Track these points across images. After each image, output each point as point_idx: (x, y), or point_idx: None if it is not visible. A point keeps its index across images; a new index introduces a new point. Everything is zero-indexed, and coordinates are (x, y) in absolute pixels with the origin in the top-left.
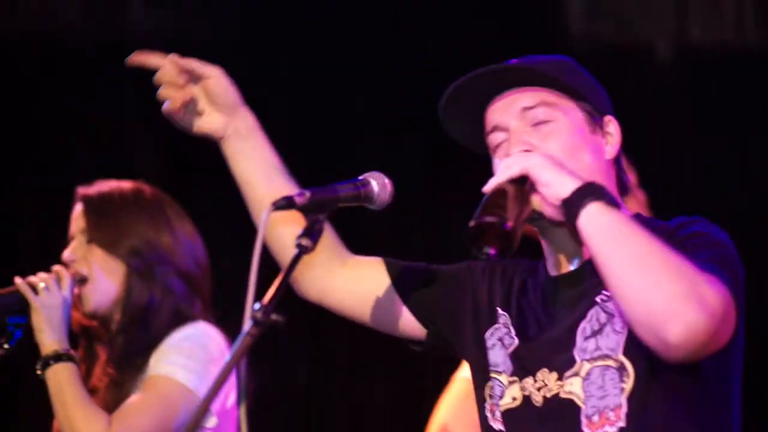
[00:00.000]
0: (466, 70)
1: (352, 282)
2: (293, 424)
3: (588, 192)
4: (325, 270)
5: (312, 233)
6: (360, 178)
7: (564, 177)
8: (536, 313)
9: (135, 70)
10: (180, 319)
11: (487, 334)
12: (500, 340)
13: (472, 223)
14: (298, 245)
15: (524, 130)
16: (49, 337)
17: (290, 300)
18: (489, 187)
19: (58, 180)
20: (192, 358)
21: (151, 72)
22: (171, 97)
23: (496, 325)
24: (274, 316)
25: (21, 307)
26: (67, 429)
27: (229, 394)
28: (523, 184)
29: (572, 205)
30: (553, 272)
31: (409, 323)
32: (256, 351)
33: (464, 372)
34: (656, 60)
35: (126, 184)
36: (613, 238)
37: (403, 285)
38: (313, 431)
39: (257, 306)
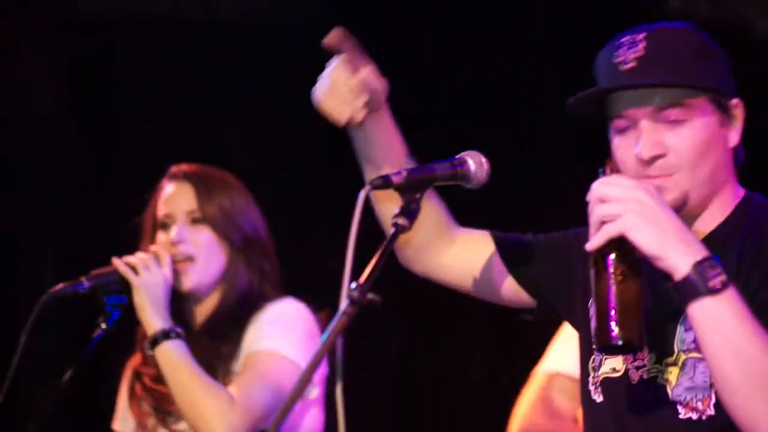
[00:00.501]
0: (571, 39)
1: (460, 259)
2: (389, 401)
3: (695, 284)
4: (434, 248)
5: (408, 212)
6: (457, 156)
7: (668, 250)
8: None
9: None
10: (268, 297)
11: (590, 304)
12: None
13: (613, 341)
14: (395, 224)
15: (656, 128)
16: (154, 316)
17: (388, 275)
18: (592, 246)
19: (152, 158)
20: (291, 331)
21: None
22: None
23: None
24: (370, 296)
25: (119, 287)
26: (186, 406)
27: (327, 366)
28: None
29: (680, 291)
30: None
31: (518, 294)
32: (352, 328)
33: (544, 366)
34: (754, 38)
35: (212, 167)
36: (722, 338)
37: (511, 257)
38: (410, 408)
39: (353, 285)
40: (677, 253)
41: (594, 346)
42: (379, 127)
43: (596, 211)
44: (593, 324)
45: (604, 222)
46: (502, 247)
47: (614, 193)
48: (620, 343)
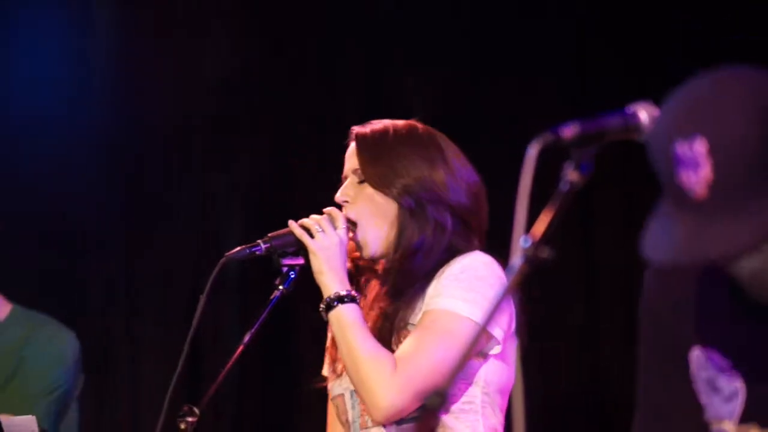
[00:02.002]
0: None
1: None
2: (567, 362)
3: None
4: None
5: (581, 167)
6: (627, 108)
7: None
8: None
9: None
10: (454, 253)
11: None
12: None
13: None
14: (567, 181)
15: None
16: (330, 279)
17: (561, 236)
18: None
19: (332, 119)
20: (471, 289)
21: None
22: None
23: None
24: (544, 253)
25: (295, 249)
26: (351, 369)
27: (512, 321)
28: None
29: None
30: None
31: None
32: (530, 287)
33: None
34: None
35: (400, 122)
36: None
37: None
38: (587, 369)
39: (526, 241)
40: None
41: None
42: None
43: None
44: None
45: None
46: None
47: None
48: None
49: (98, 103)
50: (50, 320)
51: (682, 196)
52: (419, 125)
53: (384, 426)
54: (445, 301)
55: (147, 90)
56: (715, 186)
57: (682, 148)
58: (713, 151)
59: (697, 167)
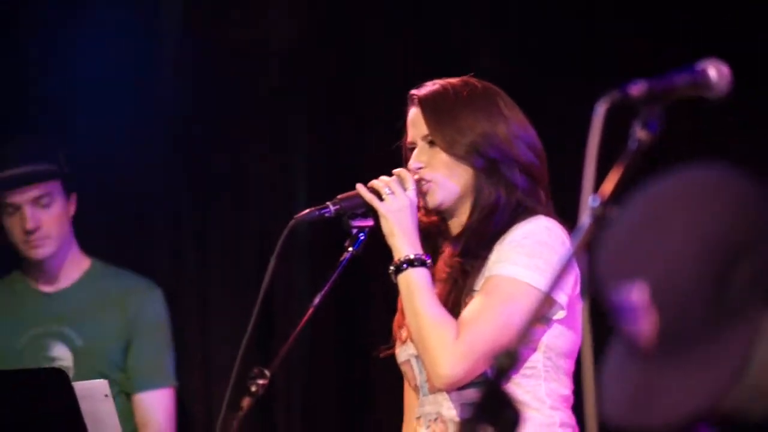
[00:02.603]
0: None
1: None
2: None
3: None
4: None
5: (650, 125)
6: (696, 65)
7: None
8: None
9: None
10: (522, 212)
11: None
12: None
13: None
14: (635, 139)
15: None
16: (401, 242)
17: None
18: None
19: (399, 81)
20: (533, 255)
21: None
22: None
23: None
24: (613, 212)
25: (364, 211)
26: (415, 334)
27: (575, 285)
28: None
29: None
30: None
31: None
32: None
33: None
34: None
35: (455, 80)
36: None
37: None
38: None
39: (595, 200)
40: None
41: None
42: None
43: None
44: None
45: None
46: None
47: None
48: None
49: (165, 74)
50: (136, 275)
51: (629, 342)
52: (476, 82)
53: (447, 392)
54: (507, 267)
55: (213, 60)
56: (663, 336)
57: (621, 294)
58: (656, 296)
59: (639, 315)
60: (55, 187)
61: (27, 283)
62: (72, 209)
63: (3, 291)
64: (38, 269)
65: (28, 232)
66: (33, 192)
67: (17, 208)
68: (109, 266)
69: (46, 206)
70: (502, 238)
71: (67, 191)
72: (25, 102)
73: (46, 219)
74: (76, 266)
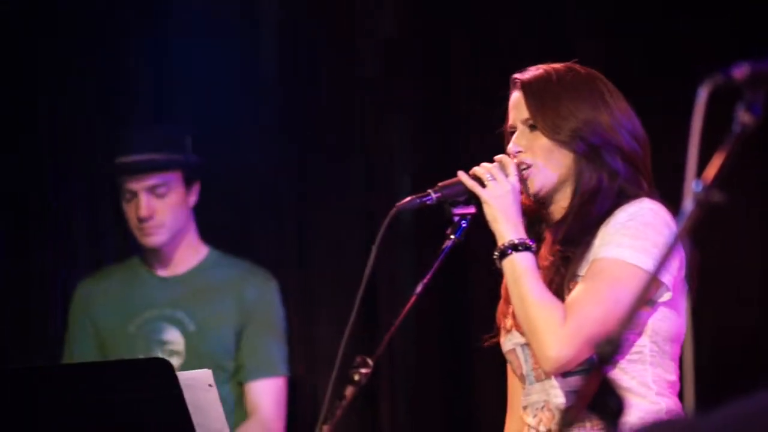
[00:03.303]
0: None
1: None
2: (740, 312)
3: None
4: None
5: (753, 108)
6: None
7: None
8: None
9: None
10: (624, 198)
11: None
12: None
13: None
14: (739, 123)
15: None
16: (504, 227)
17: (734, 178)
18: None
19: (495, 63)
20: (638, 237)
21: None
22: None
23: None
24: (716, 196)
25: (466, 198)
26: (521, 318)
27: (681, 268)
28: None
29: None
30: None
31: None
32: (698, 230)
33: None
34: None
35: (559, 66)
36: None
37: None
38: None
39: (698, 185)
40: None
41: None
42: None
43: None
44: None
45: None
46: None
47: None
48: None
49: (270, 61)
50: (253, 264)
51: None
52: (579, 68)
53: (551, 376)
54: (612, 250)
55: (317, 47)
56: None
57: None
58: None
59: None
60: (173, 176)
61: (144, 267)
62: (192, 199)
63: (121, 275)
64: (155, 255)
65: (142, 220)
66: (150, 180)
67: (134, 194)
68: (227, 255)
69: (162, 195)
70: (606, 221)
71: (188, 181)
72: (161, 89)
73: (160, 208)
74: (193, 253)
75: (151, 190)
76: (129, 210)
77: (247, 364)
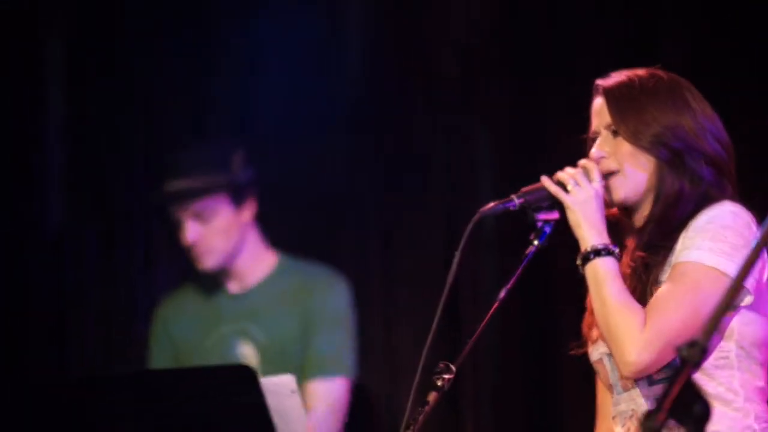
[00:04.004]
0: None
1: None
2: None
3: None
4: None
5: None
6: None
7: None
8: None
9: None
10: (708, 202)
11: None
12: None
13: None
14: None
15: None
16: (588, 233)
17: None
18: None
19: (578, 67)
20: (718, 239)
21: None
22: None
23: None
24: None
25: (549, 203)
26: (602, 323)
27: (764, 270)
28: None
29: None
30: None
31: None
32: None
33: None
34: None
35: (642, 72)
36: None
37: None
38: None
39: None
40: None
41: None
42: None
43: None
44: None
45: None
46: None
47: None
48: None
49: (349, 61)
50: (321, 265)
51: None
52: (663, 74)
53: (637, 385)
54: (692, 253)
55: (397, 47)
56: None
57: None
58: None
59: None
60: (218, 199)
61: (215, 283)
62: (247, 215)
63: (194, 291)
64: (223, 272)
65: (188, 247)
66: (192, 206)
67: (179, 221)
68: (296, 260)
69: (207, 220)
70: (687, 226)
71: (238, 200)
72: (238, 90)
73: (206, 233)
74: (261, 264)
75: (196, 216)
76: (180, 236)
77: (311, 363)
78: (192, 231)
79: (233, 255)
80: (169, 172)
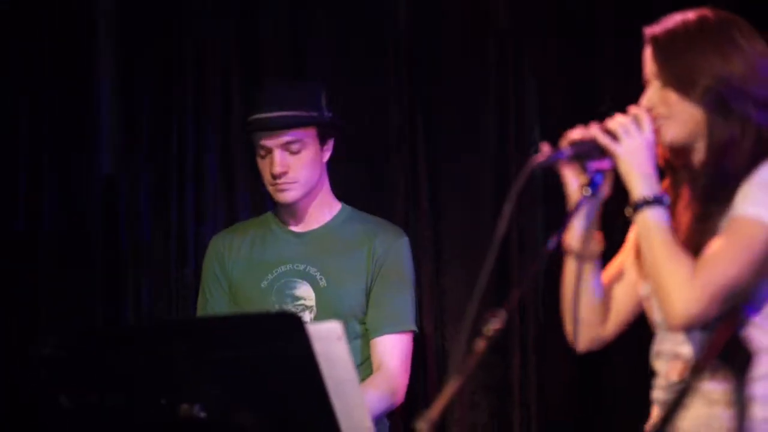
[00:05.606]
0: None
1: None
2: None
3: None
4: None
5: None
6: None
7: None
8: None
9: None
10: (765, 148)
11: None
12: None
13: None
14: None
15: None
16: (638, 182)
17: None
18: None
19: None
20: None
21: None
22: None
23: None
24: None
25: (600, 152)
26: (652, 273)
27: None
28: None
29: None
30: None
31: None
32: None
33: None
34: None
35: (690, 15)
36: None
37: None
38: None
39: None
40: None
41: None
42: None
43: None
44: None
45: None
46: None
47: None
48: None
49: (398, 16)
50: (385, 221)
51: None
52: (711, 15)
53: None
54: (749, 208)
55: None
56: None
57: None
58: None
59: None
60: (308, 133)
61: (278, 223)
62: (327, 155)
63: (255, 230)
64: (289, 211)
65: (276, 176)
66: (284, 137)
67: (268, 151)
68: (359, 212)
69: (296, 152)
70: (750, 176)
71: (322, 138)
72: (295, 45)
73: (294, 164)
74: (326, 209)
75: (286, 147)
76: (263, 166)
77: (375, 319)
78: (282, 161)
79: (310, 192)
80: (258, 105)
